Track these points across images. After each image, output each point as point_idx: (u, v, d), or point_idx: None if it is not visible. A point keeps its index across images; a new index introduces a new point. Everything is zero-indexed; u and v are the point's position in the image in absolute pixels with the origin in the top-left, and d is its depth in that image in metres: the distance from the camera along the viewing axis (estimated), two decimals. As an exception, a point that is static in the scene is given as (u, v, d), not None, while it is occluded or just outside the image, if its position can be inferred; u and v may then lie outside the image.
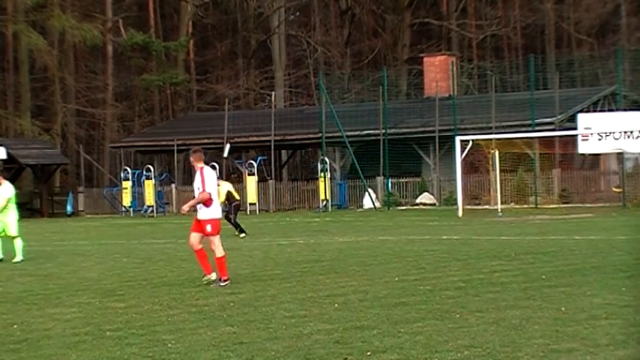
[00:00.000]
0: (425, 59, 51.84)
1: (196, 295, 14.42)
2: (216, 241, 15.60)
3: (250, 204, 45.80)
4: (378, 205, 44.55)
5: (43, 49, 57.17)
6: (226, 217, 28.05)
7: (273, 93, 57.30)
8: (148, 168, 48.90)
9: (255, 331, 11.05)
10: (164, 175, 52.57)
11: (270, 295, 14.05)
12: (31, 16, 58.15)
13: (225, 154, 49.23)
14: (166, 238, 29.07)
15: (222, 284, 15.29)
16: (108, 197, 51.49)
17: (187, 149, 56.05)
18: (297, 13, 73.73)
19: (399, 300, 13.07)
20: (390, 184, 45.22)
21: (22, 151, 50.88)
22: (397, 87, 57.21)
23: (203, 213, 15.65)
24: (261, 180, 47.57)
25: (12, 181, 50.80)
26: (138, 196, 48.55)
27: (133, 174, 48.92)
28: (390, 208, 43.49)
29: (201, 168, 15.77)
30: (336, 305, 12.78)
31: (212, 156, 58.35)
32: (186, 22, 65.96)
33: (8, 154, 48.68)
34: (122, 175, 49.26)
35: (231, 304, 13.32)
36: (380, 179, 45.69)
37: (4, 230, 21.98)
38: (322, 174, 45.26)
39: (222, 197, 27.02)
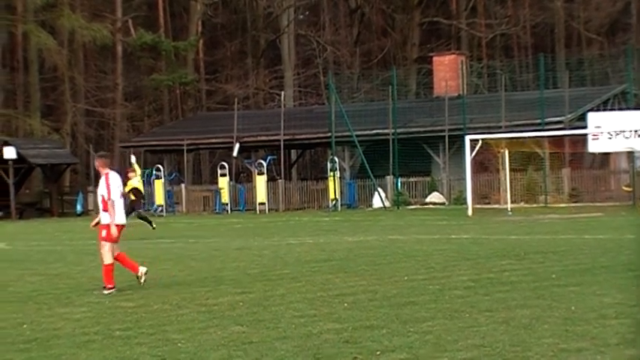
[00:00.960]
0: (434, 58, 51.81)
1: (206, 294, 14.42)
2: (107, 247, 15.49)
3: (260, 203, 45.84)
4: (387, 204, 44.49)
5: (52, 49, 57.26)
6: (138, 216, 29.40)
7: (282, 92, 57.32)
8: (158, 167, 48.95)
9: (264, 331, 11.04)
10: (174, 175, 52.60)
11: (280, 295, 14.04)
12: (40, 16, 58.24)
13: (235, 154, 49.29)
14: (175, 237, 29.08)
15: (106, 292, 15.06)
16: (117, 197, 51.48)
17: (197, 149, 56.33)
18: (307, 13, 73.73)
19: (408, 299, 13.06)
20: (399, 184, 45.16)
21: (31, 150, 50.91)
22: (406, 86, 57.15)
23: (105, 218, 15.55)
24: (271, 179, 47.60)
25: (22, 180, 51.73)
26: (147, 195, 48.52)
27: (143, 173, 48.90)
28: (400, 208, 43.44)
29: (107, 174, 15.63)
30: (346, 304, 12.77)
31: (222, 155, 58.45)
32: (196, 21, 66.02)
33: (18, 153, 48.74)
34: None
35: (241, 303, 13.32)
36: (389, 178, 45.62)
37: None
38: (332, 173, 45.21)
39: (127, 189, 27.43)
